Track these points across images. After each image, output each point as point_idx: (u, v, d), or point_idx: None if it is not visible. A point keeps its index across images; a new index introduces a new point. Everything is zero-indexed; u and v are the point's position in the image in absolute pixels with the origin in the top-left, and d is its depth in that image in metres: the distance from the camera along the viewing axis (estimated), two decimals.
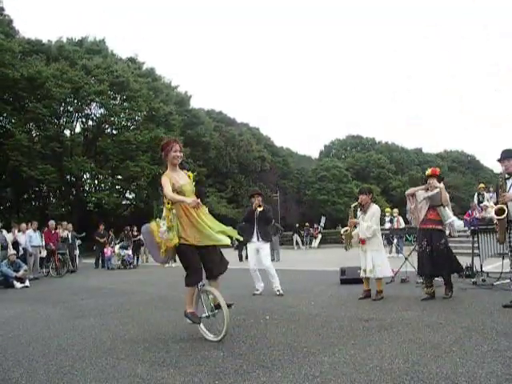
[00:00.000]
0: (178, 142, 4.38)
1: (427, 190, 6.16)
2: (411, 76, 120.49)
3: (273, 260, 16.63)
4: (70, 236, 15.62)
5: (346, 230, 6.69)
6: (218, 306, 4.13)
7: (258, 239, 7.15)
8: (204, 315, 4.22)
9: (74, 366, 3.56)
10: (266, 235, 7.23)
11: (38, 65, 25.48)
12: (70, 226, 16.07)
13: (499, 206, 5.27)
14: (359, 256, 6.57)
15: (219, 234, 4.20)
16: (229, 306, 4.11)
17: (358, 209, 6.68)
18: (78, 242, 16.54)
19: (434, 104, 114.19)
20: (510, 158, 5.26)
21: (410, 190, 6.45)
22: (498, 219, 5.27)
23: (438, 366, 3.12)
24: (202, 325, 4.30)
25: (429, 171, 6.39)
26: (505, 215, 5.17)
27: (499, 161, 5.40)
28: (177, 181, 4.20)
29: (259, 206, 7.17)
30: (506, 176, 5.32)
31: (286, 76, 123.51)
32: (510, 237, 5.29)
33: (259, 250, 7.17)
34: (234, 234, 4.39)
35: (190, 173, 4.42)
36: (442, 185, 6.15)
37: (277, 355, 3.59)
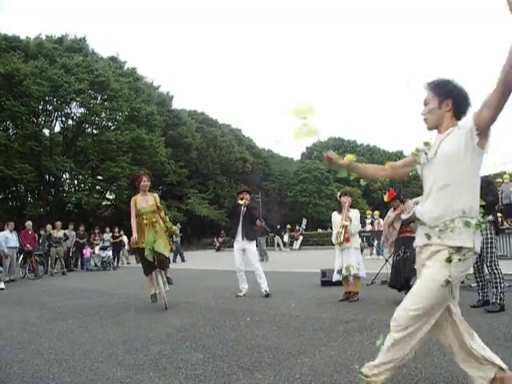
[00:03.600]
0: (145, 174, 6.34)
1: (394, 209, 6.31)
2: (395, 78, 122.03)
3: (261, 261, 16.66)
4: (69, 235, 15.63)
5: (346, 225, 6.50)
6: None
7: (242, 238, 7.01)
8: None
9: (51, 370, 3.49)
10: (251, 234, 7.09)
11: (16, 62, 24.98)
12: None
13: None
14: (336, 257, 6.58)
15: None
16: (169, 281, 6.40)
17: (336, 212, 6.71)
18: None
19: (415, 106, 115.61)
20: None
21: (389, 221, 6.45)
22: None
23: (418, 367, 3.15)
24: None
25: (386, 198, 6.50)
26: None
27: None
28: (139, 204, 6.10)
29: (241, 199, 7.10)
30: None
31: (269, 77, 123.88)
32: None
33: (245, 250, 7.05)
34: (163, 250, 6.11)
35: (154, 197, 6.24)
36: (410, 201, 6.23)
37: (257, 357, 3.58)
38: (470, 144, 2.25)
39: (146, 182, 6.17)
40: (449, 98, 2.37)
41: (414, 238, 6.23)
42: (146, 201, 6.11)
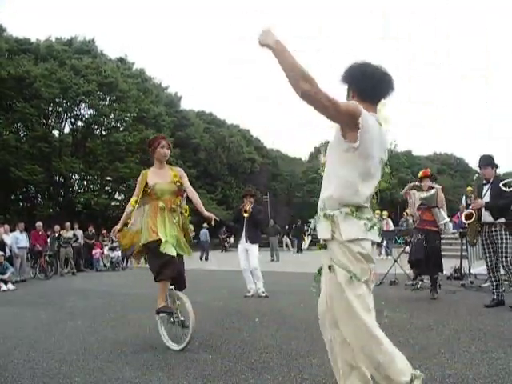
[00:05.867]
0: (165, 138, 4.31)
1: (423, 190, 6.34)
2: (400, 78, 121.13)
3: (273, 260, 17.11)
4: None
5: None
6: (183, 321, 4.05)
7: (246, 241, 7.21)
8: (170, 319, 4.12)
9: (61, 370, 3.51)
10: (254, 238, 7.26)
11: (27, 64, 25.22)
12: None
13: (468, 211, 5.61)
14: None
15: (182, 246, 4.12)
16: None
17: None
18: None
19: (422, 106, 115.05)
20: (486, 166, 5.40)
21: (405, 190, 6.72)
22: (468, 223, 5.58)
23: (427, 367, 3.13)
24: (163, 328, 4.23)
25: (421, 173, 6.61)
26: (472, 220, 5.47)
27: (479, 167, 5.55)
28: (151, 179, 4.13)
29: (245, 211, 7.23)
30: (484, 182, 5.45)
31: (277, 77, 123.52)
32: (483, 240, 5.42)
33: (248, 251, 7.20)
34: (187, 252, 4.22)
35: (174, 172, 4.23)
36: (438, 186, 6.35)
37: (266, 357, 3.58)
38: (338, 134, 2.17)
39: (164, 148, 4.17)
40: (351, 85, 2.27)
41: (431, 231, 6.29)
42: (162, 175, 4.16)
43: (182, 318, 4.03)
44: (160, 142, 4.16)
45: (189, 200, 4.28)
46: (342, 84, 2.29)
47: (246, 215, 7.21)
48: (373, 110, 2.23)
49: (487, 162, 5.43)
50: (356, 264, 2.10)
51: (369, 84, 2.20)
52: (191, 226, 4.20)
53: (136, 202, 4.14)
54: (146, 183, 4.11)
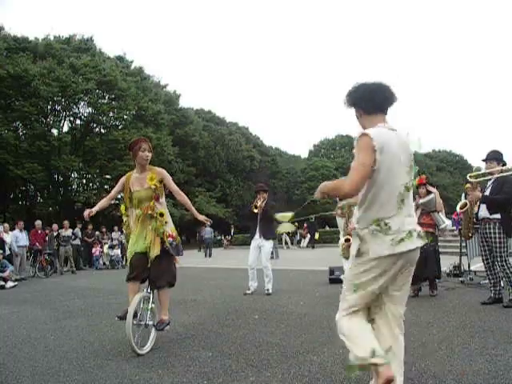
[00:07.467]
0: (146, 141, 4.16)
1: (420, 196, 6.28)
2: (399, 75, 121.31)
3: (272, 258, 17.14)
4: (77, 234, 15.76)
5: (348, 240, 6.26)
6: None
7: (260, 236, 7.14)
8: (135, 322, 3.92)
9: (61, 368, 3.52)
10: (268, 233, 7.18)
11: (25, 62, 25.19)
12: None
13: (463, 201, 5.75)
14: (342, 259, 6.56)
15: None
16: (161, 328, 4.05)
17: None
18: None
19: (421, 103, 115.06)
20: (491, 160, 5.39)
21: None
22: (461, 212, 5.76)
23: (426, 364, 3.14)
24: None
25: (415, 181, 6.48)
26: (465, 209, 5.64)
27: (484, 160, 5.52)
28: (132, 185, 4.11)
29: (255, 207, 7.16)
30: (489, 177, 5.44)
31: (276, 75, 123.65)
32: (480, 237, 5.46)
33: (260, 248, 7.15)
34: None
35: (151, 175, 4.04)
36: (436, 190, 6.30)
37: (266, 355, 3.59)
38: None
39: (145, 151, 4.01)
40: (355, 106, 2.41)
41: (426, 232, 6.25)
42: (141, 181, 4.07)
43: (150, 323, 4.02)
44: (141, 146, 4.02)
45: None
46: (350, 108, 2.45)
47: (255, 210, 7.13)
48: (382, 120, 2.36)
49: (492, 156, 5.41)
50: None
51: (367, 97, 2.34)
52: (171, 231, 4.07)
53: (126, 209, 4.24)
54: (129, 188, 4.13)
